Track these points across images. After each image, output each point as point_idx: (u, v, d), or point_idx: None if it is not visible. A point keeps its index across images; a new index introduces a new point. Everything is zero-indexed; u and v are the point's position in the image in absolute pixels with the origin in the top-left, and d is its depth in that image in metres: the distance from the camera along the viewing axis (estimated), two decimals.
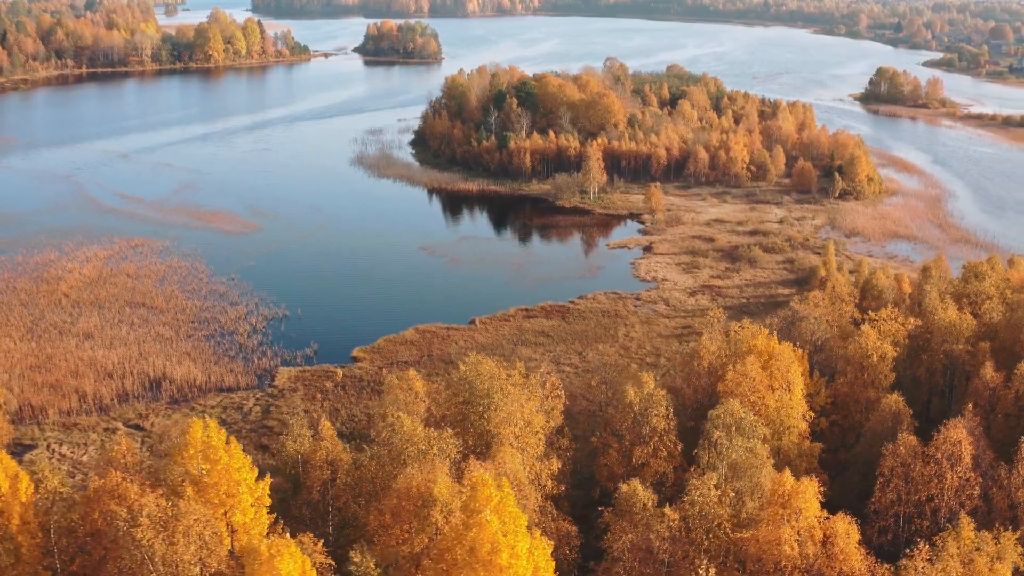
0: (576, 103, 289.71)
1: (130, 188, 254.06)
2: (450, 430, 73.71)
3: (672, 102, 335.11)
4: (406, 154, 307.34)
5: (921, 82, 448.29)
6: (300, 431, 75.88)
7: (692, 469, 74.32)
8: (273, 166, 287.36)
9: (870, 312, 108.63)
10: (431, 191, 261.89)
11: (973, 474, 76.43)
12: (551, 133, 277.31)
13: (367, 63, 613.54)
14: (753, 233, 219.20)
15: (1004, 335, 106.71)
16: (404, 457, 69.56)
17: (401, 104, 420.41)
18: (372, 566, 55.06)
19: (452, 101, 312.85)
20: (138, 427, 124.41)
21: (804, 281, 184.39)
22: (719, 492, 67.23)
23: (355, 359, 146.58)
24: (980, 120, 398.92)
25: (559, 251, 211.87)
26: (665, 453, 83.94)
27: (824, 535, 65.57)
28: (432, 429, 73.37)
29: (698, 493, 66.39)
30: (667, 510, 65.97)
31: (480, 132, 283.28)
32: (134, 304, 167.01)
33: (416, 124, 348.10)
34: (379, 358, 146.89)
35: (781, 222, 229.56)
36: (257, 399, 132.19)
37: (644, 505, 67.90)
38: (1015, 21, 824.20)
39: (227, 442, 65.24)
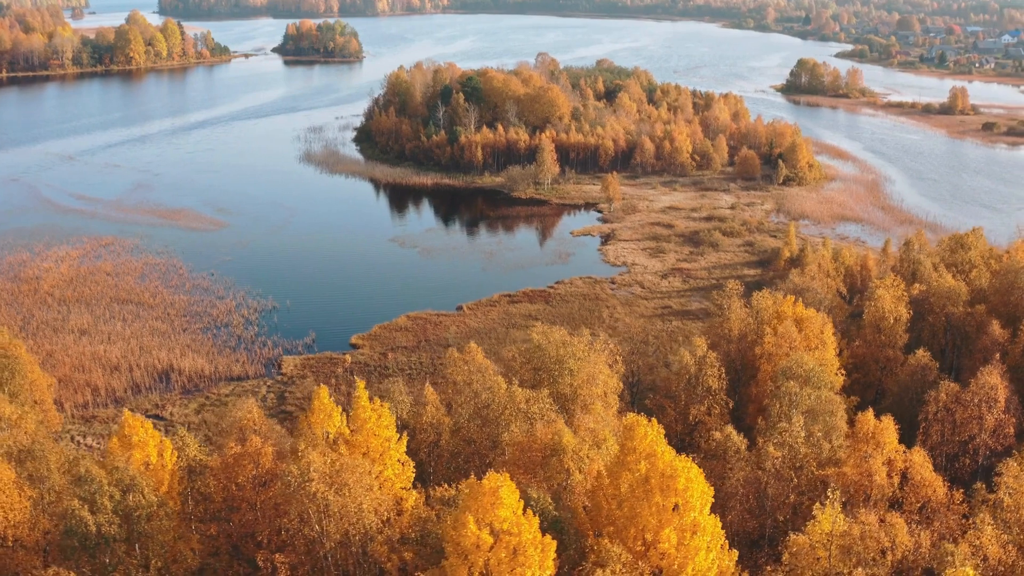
0: (521, 97, 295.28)
1: (84, 189, 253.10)
2: (545, 390, 78.70)
3: (608, 95, 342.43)
4: (352, 150, 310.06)
5: (841, 73, 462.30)
6: (401, 397, 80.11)
7: (760, 420, 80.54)
8: (222, 165, 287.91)
9: (874, 280, 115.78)
10: (385, 186, 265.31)
11: (1005, 416, 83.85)
12: (499, 127, 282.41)
13: (287, 63, 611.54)
14: (709, 219, 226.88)
15: (993, 299, 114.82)
16: (506, 417, 74.43)
17: (335, 102, 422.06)
18: (548, 500, 59.66)
19: (396, 97, 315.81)
20: (158, 416, 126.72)
21: (767, 262, 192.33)
22: (805, 433, 73.72)
23: (354, 346, 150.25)
24: (901, 108, 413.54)
25: (526, 239, 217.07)
26: (718, 410, 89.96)
27: (904, 466, 72.38)
28: (526, 390, 78.28)
29: (788, 435, 72.56)
30: (771, 449, 71.87)
31: (429, 127, 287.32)
32: (120, 301, 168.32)
33: (356, 121, 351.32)
34: (378, 344, 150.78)
35: (733, 208, 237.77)
36: (269, 386, 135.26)
37: (738, 449, 73.71)
38: (918, 12, 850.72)
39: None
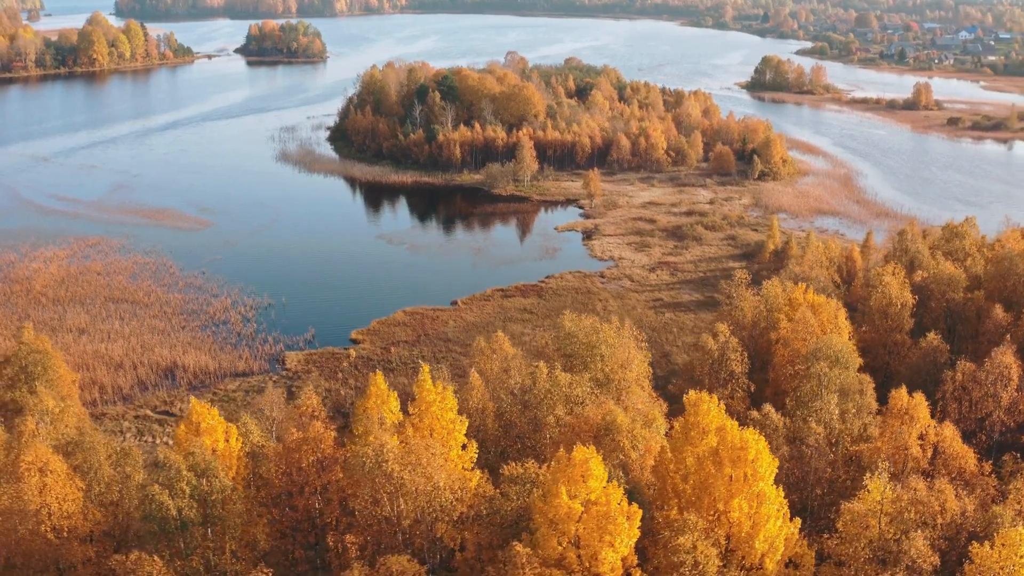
0: (497, 95, 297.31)
1: (63, 190, 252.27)
2: (586, 374, 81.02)
3: (579, 93, 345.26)
4: (327, 150, 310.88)
5: (805, 70, 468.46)
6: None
7: (787, 400, 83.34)
8: (199, 166, 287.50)
9: (873, 269, 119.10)
10: (365, 184, 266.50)
11: (1019, 394, 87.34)
12: (476, 125, 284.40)
13: (251, 64, 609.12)
14: (689, 213, 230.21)
15: (989, 285, 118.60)
16: (549, 401, 76.68)
17: (304, 102, 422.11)
18: (620, 474, 61.80)
19: (370, 96, 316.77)
20: (167, 413, 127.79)
21: (751, 255, 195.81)
22: (839, 411, 76.84)
23: (354, 341, 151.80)
24: (866, 104, 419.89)
25: (511, 235, 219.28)
26: (741, 394, 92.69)
27: (935, 440, 75.70)
28: (568, 374, 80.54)
29: (824, 412, 75.56)
30: (812, 425, 74.76)
31: (406, 126, 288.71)
32: (115, 300, 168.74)
33: (328, 121, 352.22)
34: (378, 339, 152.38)
35: (711, 203, 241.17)
36: (275, 381, 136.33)
37: (776, 427, 76.39)
38: (874, 9, 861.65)
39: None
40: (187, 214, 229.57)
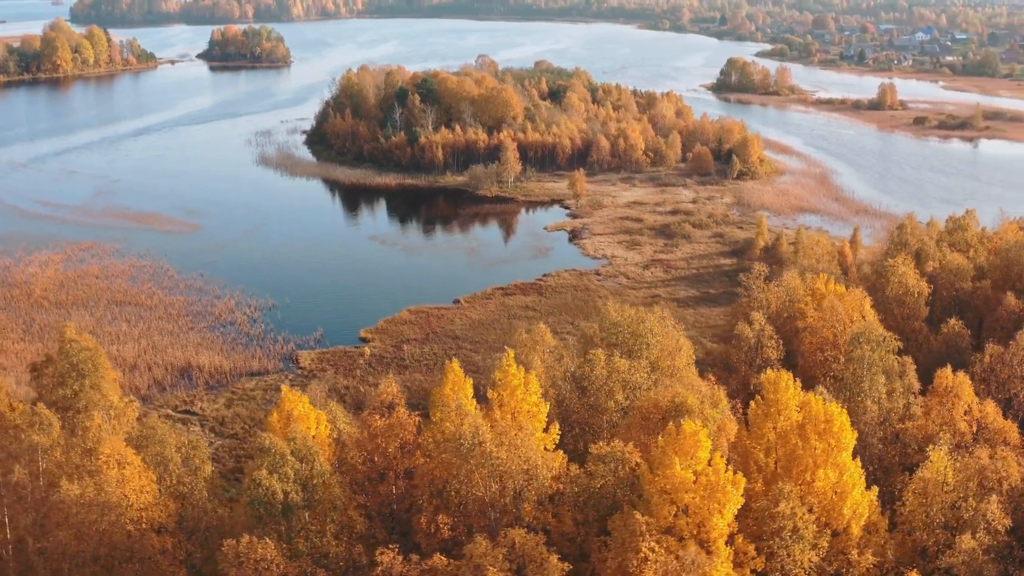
0: (476, 98, 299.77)
1: (46, 195, 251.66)
2: (644, 360, 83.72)
3: (552, 96, 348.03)
4: (305, 153, 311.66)
5: (771, 71, 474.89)
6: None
7: (825, 381, 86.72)
8: (179, 171, 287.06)
9: (888, 259, 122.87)
10: (349, 187, 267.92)
11: None
12: (457, 127, 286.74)
13: (214, 69, 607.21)
14: (674, 212, 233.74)
15: (993, 275, 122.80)
16: (608, 387, 79.35)
17: (275, 106, 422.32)
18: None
19: (348, 99, 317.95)
20: (188, 411, 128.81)
21: (741, 252, 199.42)
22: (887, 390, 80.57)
23: (364, 340, 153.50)
24: (831, 105, 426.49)
25: (502, 236, 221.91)
26: None
27: (979, 415, 79.55)
28: (626, 360, 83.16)
29: (874, 392, 79.23)
30: (868, 404, 78.38)
31: (387, 129, 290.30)
32: (118, 303, 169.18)
33: (303, 124, 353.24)
34: (387, 338, 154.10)
35: (695, 202, 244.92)
36: (291, 380, 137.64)
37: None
38: (828, 11, 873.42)
39: None
40: (175, 218, 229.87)
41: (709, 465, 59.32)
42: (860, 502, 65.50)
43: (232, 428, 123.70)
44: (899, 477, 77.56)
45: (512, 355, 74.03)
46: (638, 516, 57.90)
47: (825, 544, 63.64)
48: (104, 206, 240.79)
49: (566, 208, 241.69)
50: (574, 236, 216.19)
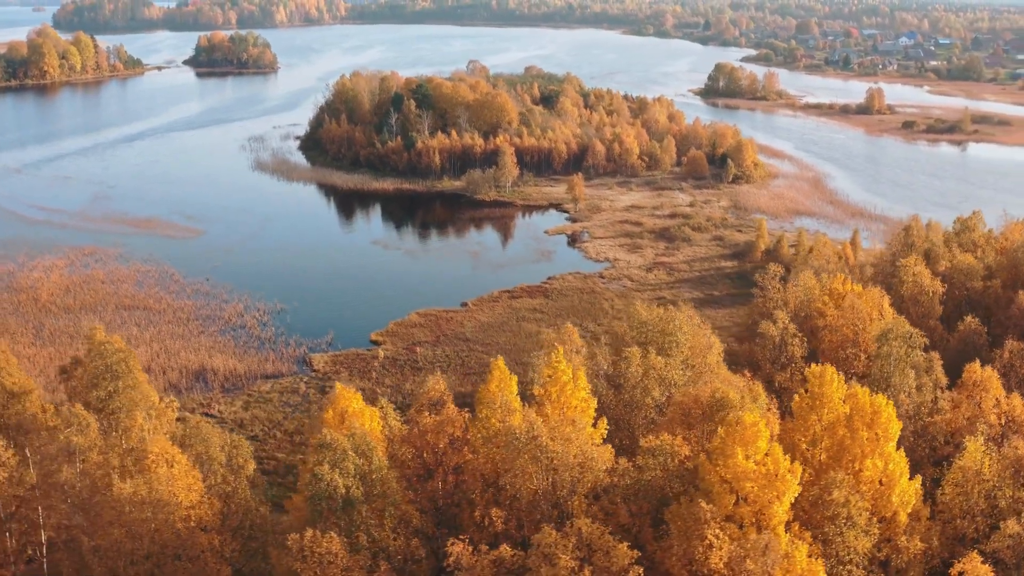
0: (471, 103, 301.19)
1: (43, 200, 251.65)
2: (678, 357, 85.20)
3: (544, 101, 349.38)
4: (300, 159, 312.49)
5: (758, 76, 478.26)
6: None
7: (854, 378, 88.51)
8: (175, 176, 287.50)
9: (900, 260, 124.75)
10: (347, 192, 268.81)
11: None
12: (453, 132, 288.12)
13: (201, 75, 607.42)
14: (673, 216, 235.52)
15: (1001, 275, 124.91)
16: (644, 384, 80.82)
17: (265, 112, 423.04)
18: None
19: (343, 105, 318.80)
20: (206, 414, 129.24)
21: (742, 254, 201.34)
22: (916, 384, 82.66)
23: (375, 342, 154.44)
24: (819, 109, 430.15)
25: (504, 239, 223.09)
26: (799, 377, 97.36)
27: (1007, 408, 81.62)
28: (661, 358, 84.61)
29: (905, 386, 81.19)
30: (903, 397, 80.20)
31: (383, 134, 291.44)
32: (126, 307, 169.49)
33: (296, 130, 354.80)
34: (398, 340, 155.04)
35: (692, 205, 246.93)
36: (307, 382, 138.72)
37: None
38: (810, 16, 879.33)
39: None
40: (175, 223, 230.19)
41: (767, 455, 61.18)
42: (907, 490, 67.69)
43: (252, 430, 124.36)
44: (928, 470, 79.60)
45: (561, 351, 75.34)
46: (703, 504, 59.39)
47: (876, 531, 65.57)
48: (103, 211, 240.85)
49: (565, 212, 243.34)
50: (574, 240, 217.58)
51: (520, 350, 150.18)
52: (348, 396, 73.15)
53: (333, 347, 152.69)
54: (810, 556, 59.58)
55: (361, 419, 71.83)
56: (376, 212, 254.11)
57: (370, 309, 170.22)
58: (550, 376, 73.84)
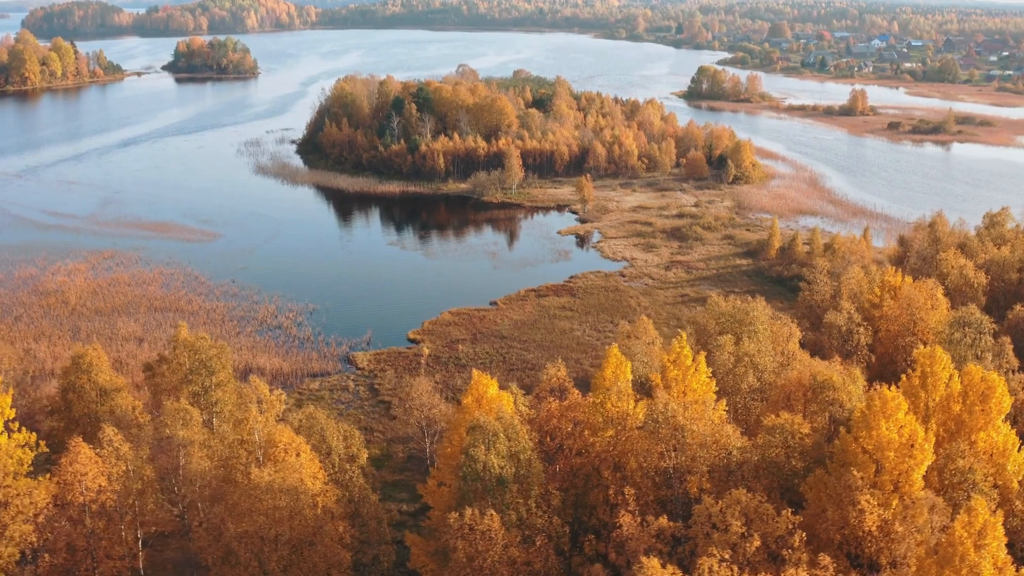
0: (471, 107, 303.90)
1: (52, 205, 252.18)
2: (768, 344, 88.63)
3: (536, 104, 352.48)
4: (298, 162, 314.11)
5: (741, 79, 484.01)
6: (644, 359, 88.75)
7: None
8: (180, 181, 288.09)
9: (940, 253, 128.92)
10: (353, 195, 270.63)
11: None
12: (455, 135, 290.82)
13: (181, 81, 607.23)
14: (680, 216, 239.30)
15: None
16: (738, 370, 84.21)
17: (256, 117, 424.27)
18: None
19: (342, 109, 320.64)
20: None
21: (755, 252, 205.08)
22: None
23: (413, 341, 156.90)
24: (804, 111, 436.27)
25: (518, 240, 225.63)
26: (864, 363, 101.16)
27: None
28: (754, 344, 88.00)
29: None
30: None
31: (385, 137, 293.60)
32: (158, 309, 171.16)
33: (290, 134, 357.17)
34: (436, 339, 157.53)
35: (697, 205, 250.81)
36: (355, 380, 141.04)
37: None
38: (780, 19, 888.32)
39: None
40: (190, 227, 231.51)
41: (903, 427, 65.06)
42: (1021, 461, 71.54)
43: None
44: None
45: (684, 337, 78.40)
46: (855, 472, 62.79)
47: (997, 496, 69.27)
48: (114, 216, 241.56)
49: (573, 213, 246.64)
50: (584, 240, 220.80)
51: (556, 346, 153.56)
52: (485, 382, 75.81)
53: (373, 346, 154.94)
54: None
55: (499, 403, 74.51)
56: (385, 215, 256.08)
57: (402, 309, 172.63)
58: (673, 361, 76.93)
